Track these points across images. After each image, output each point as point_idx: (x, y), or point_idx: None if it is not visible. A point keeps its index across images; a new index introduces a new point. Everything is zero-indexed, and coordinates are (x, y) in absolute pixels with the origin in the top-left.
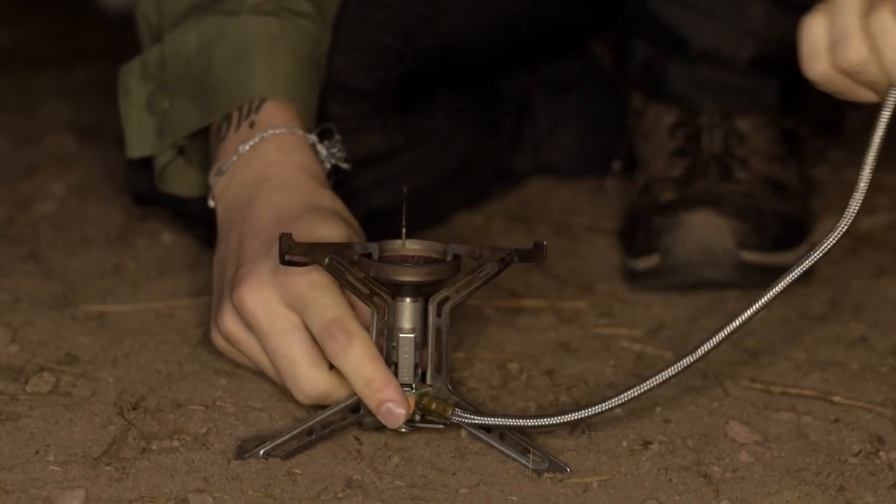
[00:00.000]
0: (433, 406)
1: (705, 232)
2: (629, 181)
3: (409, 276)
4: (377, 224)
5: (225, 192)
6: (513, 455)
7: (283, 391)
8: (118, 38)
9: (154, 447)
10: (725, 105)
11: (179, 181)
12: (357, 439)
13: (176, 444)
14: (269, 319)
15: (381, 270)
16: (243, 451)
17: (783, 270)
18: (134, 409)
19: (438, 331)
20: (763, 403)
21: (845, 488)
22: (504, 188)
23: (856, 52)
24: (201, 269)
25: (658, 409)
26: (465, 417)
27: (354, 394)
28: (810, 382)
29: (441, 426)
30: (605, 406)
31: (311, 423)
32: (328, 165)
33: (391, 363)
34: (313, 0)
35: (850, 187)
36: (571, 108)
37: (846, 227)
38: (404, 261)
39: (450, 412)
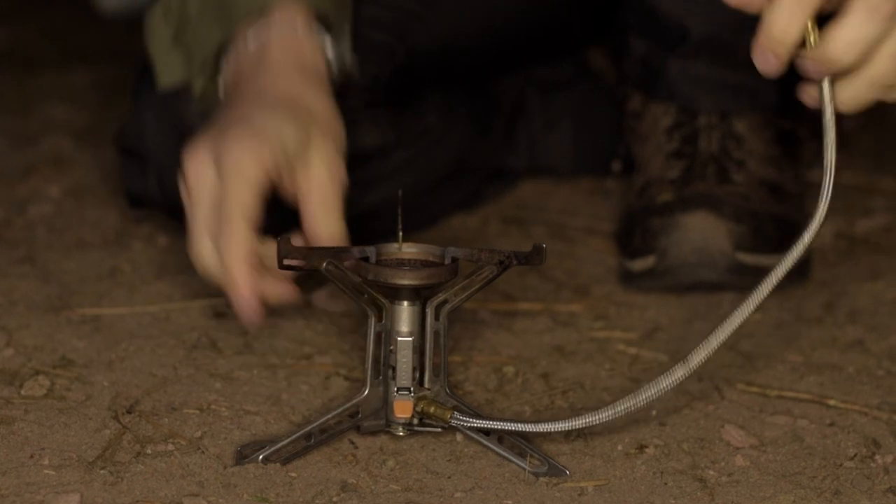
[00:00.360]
0: (432, 409)
1: (702, 233)
2: (629, 182)
3: (406, 280)
4: (369, 223)
5: (224, 76)
6: (511, 458)
7: (278, 395)
8: (117, 39)
9: (149, 451)
10: (723, 103)
11: None
12: (352, 443)
13: (171, 448)
14: (196, 184)
15: (378, 274)
16: (242, 456)
17: None
18: (129, 412)
19: (436, 334)
20: (759, 407)
21: (841, 492)
22: (499, 189)
23: None
24: (197, 273)
25: (653, 412)
26: (464, 421)
27: (352, 397)
28: (806, 386)
29: (439, 430)
30: (607, 415)
31: (310, 428)
32: (335, 67)
33: (389, 367)
34: None
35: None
36: (565, 108)
37: (820, 222)
38: (402, 264)
39: (448, 416)
